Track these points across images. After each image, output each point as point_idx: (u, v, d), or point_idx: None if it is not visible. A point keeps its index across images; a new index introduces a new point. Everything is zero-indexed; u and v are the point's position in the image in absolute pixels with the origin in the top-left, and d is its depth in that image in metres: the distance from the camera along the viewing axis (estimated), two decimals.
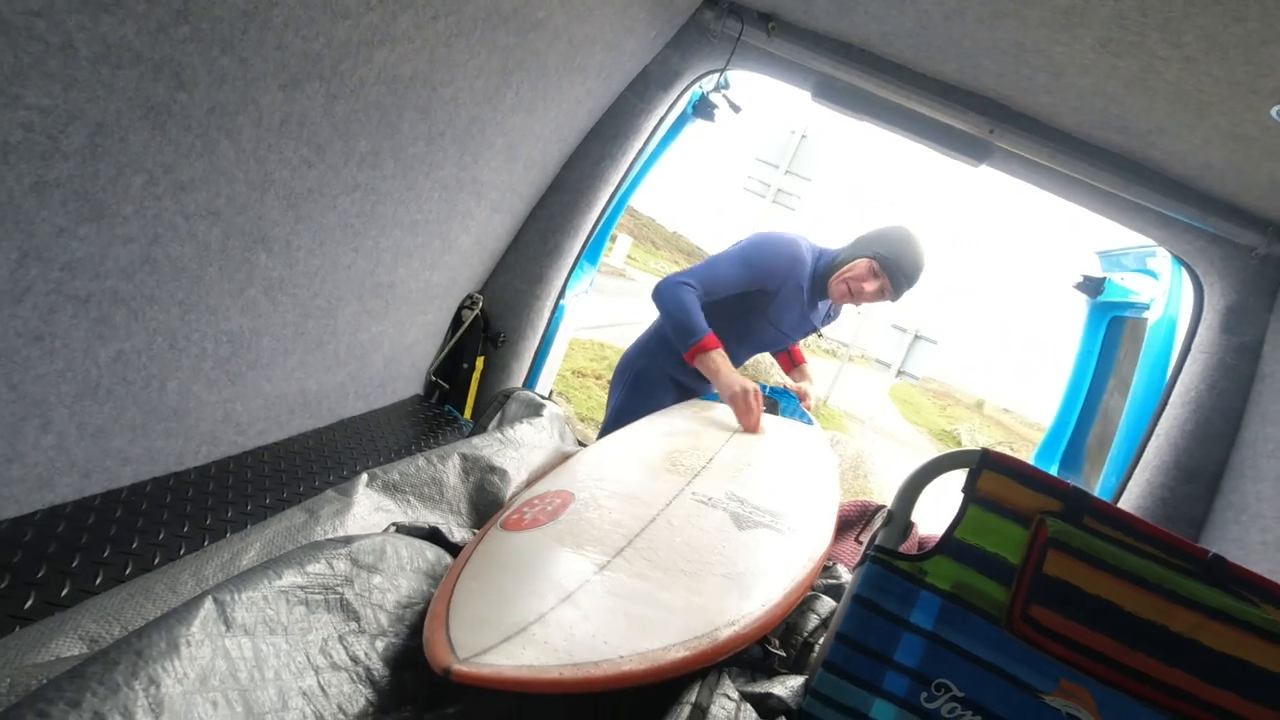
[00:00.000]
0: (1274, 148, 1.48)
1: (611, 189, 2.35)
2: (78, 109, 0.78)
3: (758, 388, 1.90)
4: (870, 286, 2.01)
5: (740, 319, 2.12)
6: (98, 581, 0.99)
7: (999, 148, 2.05)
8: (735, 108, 2.41)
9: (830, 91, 2.13)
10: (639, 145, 2.33)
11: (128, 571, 1.03)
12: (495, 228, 2.10)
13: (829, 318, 2.29)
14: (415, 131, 1.37)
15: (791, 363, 2.47)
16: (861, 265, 2.01)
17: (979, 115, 1.95)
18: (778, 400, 2.32)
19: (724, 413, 2.07)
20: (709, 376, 1.92)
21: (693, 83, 2.30)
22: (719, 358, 1.90)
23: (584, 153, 2.26)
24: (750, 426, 1.88)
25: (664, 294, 1.94)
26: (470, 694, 0.79)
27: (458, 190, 1.68)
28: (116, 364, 1.06)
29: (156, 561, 1.07)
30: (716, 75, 2.34)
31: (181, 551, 1.11)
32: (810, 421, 2.26)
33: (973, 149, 2.07)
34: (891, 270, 1.98)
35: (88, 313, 0.96)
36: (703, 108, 2.54)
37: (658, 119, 2.32)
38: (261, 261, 1.21)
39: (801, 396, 2.32)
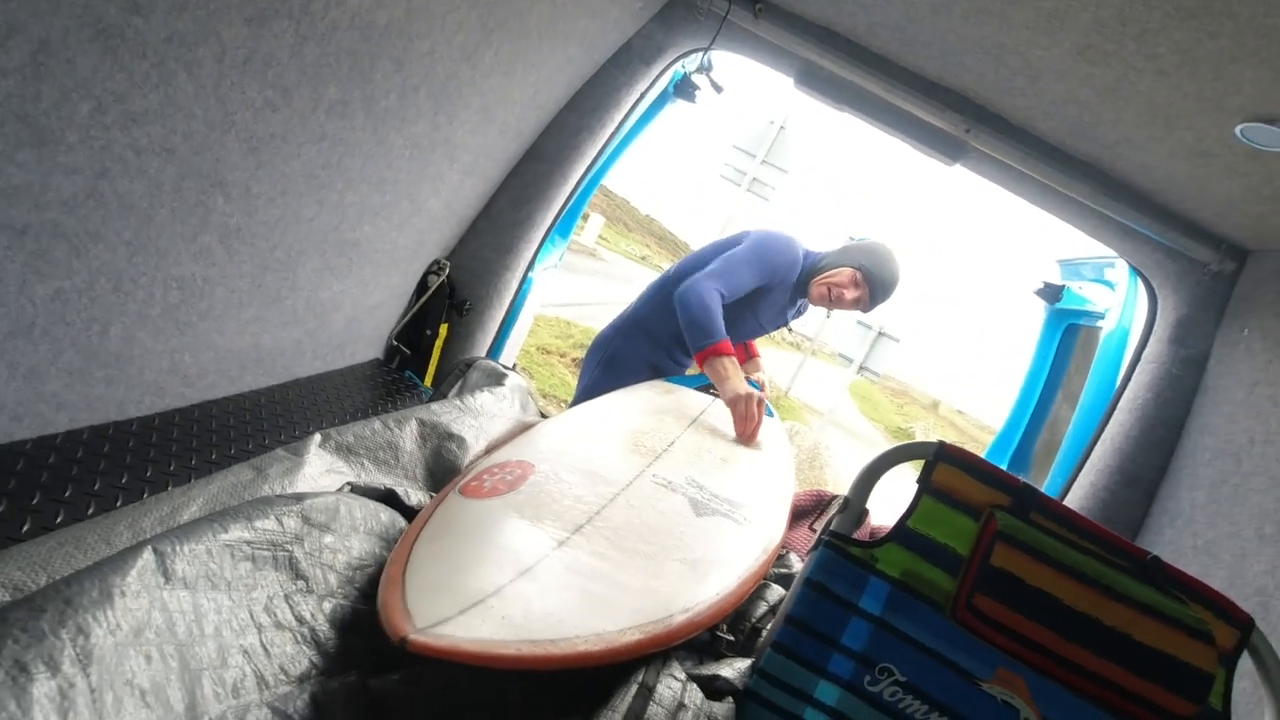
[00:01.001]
0: (1234, 165, 1.53)
1: (588, 162, 2.32)
2: (19, 22, 0.72)
3: (762, 397, 1.87)
4: (850, 295, 2.10)
5: (732, 310, 2.13)
6: (24, 529, 0.93)
7: (973, 148, 2.08)
8: (718, 88, 2.39)
9: (813, 79, 2.12)
10: (618, 119, 2.29)
11: (58, 520, 0.97)
12: (466, 193, 2.05)
13: (798, 313, 2.35)
14: (388, 83, 1.32)
15: (747, 355, 2.50)
16: (845, 274, 2.10)
17: (956, 114, 1.97)
18: None
19: (688, 396, 2.07)
20: (715, 380, 1.91)
21: (676, 60, 2.27)
22: (731, 364, 1.90)
23: (562, 123, 2.21)
24: (745, 436, 1.83)
25: (691, 293, 1.95)
26: (417, 661, 0.77)
27: (430, 150, 1.62)
28: (54, 303, 1.00)
29: (90, 512, 1.02)
30: (700, 55, 2.31)
31: (118, 503, 1.06)
32: (771, 413, 2.28)
33: (948, 147, 2.09)
34: (873, 283, 2.09)
35: (24, 245, 0.90)
36: (684, 88, 2.52)
37: (639, 94, 2.28)
38: (218, 206, 1.16)
39: (761, 387, 2.35)
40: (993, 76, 1.74)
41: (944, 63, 1.83)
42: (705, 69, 2.45)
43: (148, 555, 0.60)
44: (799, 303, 2.28)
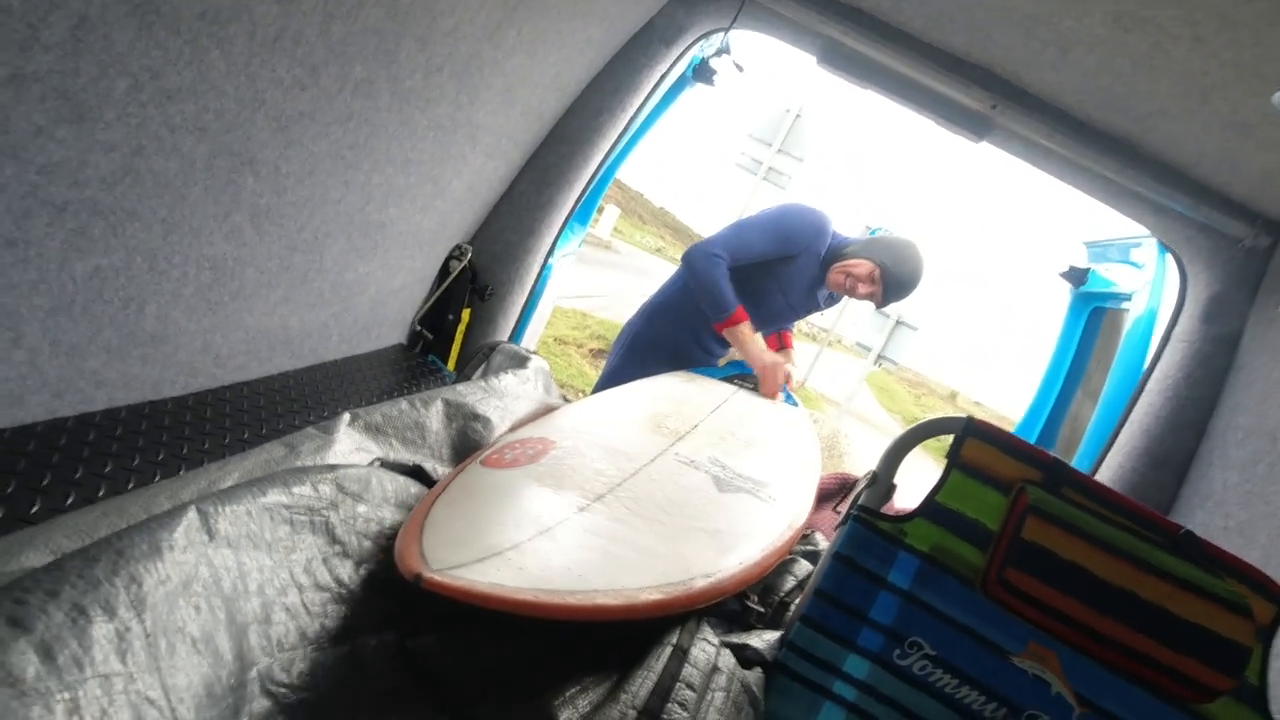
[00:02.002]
0: (1270, 138, 1.49)
1: (609, 144, 2.31)
2: None
3: (782, 361, 2.12)
4: (863, 289, 2.12)
5: (755, 283, 2.17)
6: (69, 501, 0.96)
7: (1000, 124, 2.05)
8: (739, 67, 2.38)
9: (836, 57, 2.10)
10: (638, 101, 2.28)
11: (100, 494, 1.00)
12: (488, 175, 2.05)
13: (831, 299, 2.35)
14: (413, 63, 1.32)
15: (780, 345, 2.51)
16: (865, 267, 2.11)
17: (983, 90, 1.94)
18: None
19: (712, 384, 2.07)
20: (737, 346, 2.10)
21: (696, 41, 2.25)
22: (748, 330, 2.09)
23: (583, 104, 2.21)
24: (770, 393, 2.10)
25: (696, 263, 2.08)
26: (451, 624, 0.78)
27: (453, 131, 1.63)
28: (93, 280, 1.02)
29: (130, 486, 1.04)
30: (721, 35, 2.29)
31: (157, 478, 1.09)
32: (795, 403, 2.28)
33: (974, 124, 2.06)
34: (889, 281, 2.10)
35: (64, 222, 0.92)
36: (702, 71, 2.50)
37: (659, 76, 2.27)
38: (249, 185, 1.17)
39: (787, 378, 2.35)
40: (1022, 50, 1.71)
41: (971, 37, 1.81)
42: (724, 51, 2.43)
43: (192, 514, 0.61)
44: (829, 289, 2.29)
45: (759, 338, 2.08)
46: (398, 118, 1.41)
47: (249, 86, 1.03)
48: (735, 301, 2.03)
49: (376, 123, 1.36)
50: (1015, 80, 1.91)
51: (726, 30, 2.21)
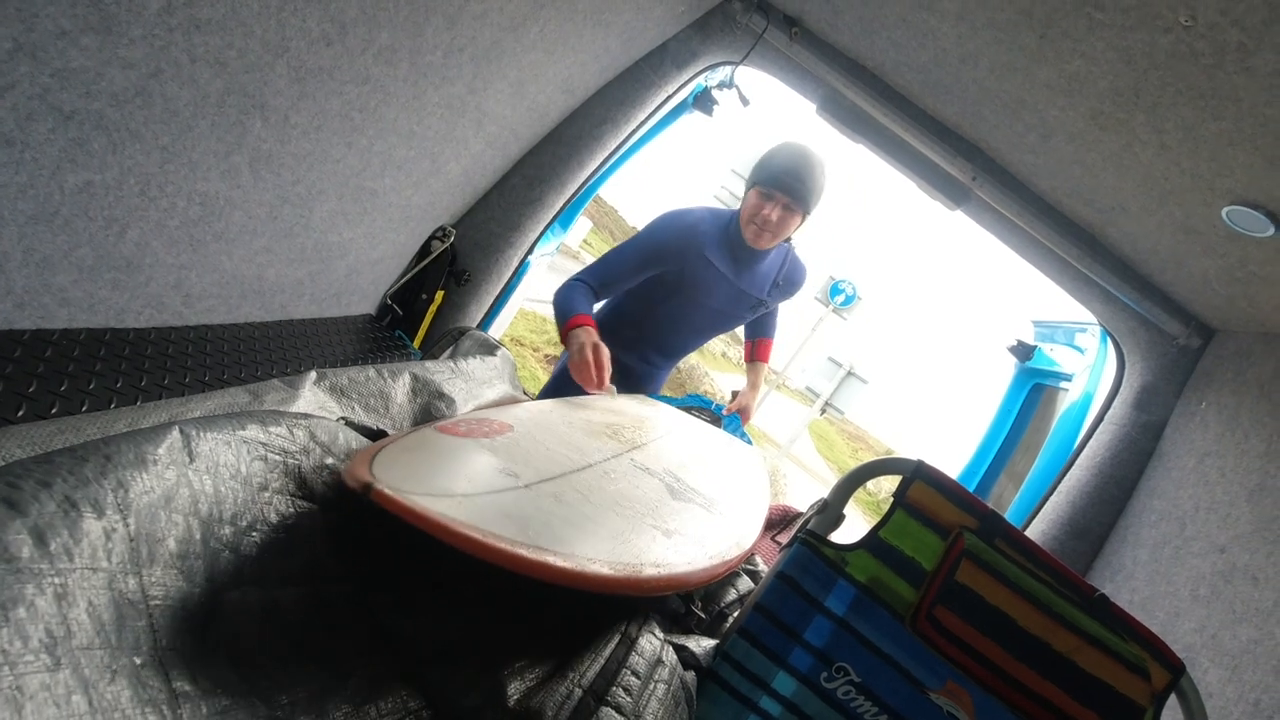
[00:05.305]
0: (1214, 245, 1.63)
1: (606, 154, 2.35)
2: None
3: (601, 345, 1.83)
4: (770, 213, 1.89)
5: (665, 306, 2.10)
6: (19, 413, 0.93)
7: (977, 196, 2.17)
8: (745, 100, 2.45)
9: (834, 107, 2.19)
10: (640, 117, 2.33)
11: (53, 411, 0.97)
12: (485, 164, 2.07)
13: (778, 287, 2.15)
14: (437, 39, 1.34)
15: (753, 356, 2.45)
16: (750, 199, 1.93)
17: (966, 161, 2.06)
18: (719, 416, 2.36)
19: (670, 411, 2.07)
20: (568, 348, 1.87)
21: (705, 69, 2.32)
22: (583, 331, 1.85)
23: (587, 111, 2.25)
24: (587, 382, 1.78)
25: (556, 293, 1.93)
26: (410, 585, 0.78)
27: (461, 113, 1.64)
28: (81, 195, 0.99)
29: (84, 408, 1.01)
30: (730, 69, 2.37)
31: (112, 405, 1.05)
32: (749, 442, 2.31)
33: (953, 192, 2.18)
34: (780, 188, 1.87)
35: (67, 131, 0.90)
36: (703, 100, 2.57)
37: (664, 96, 2.33)
38: (255, 129, 1.16)
39: (743, 415, 2.36)
40: (1007, 130, 1.82)
41: (962, 110, 1.92)
42: (727, 85, 2.51)
43: (176, 433, 0.61)
44: (761, 271, 2.10)
45: (582, 334, 1.83)
46: (411, 90, 1.41)
47: (277, 32, 1.03)
48: (576, 311, 1.88)
49: (390, 91, 1.37)
50: (997, 157, 2.04)
51: (736, 65, 2.29)
